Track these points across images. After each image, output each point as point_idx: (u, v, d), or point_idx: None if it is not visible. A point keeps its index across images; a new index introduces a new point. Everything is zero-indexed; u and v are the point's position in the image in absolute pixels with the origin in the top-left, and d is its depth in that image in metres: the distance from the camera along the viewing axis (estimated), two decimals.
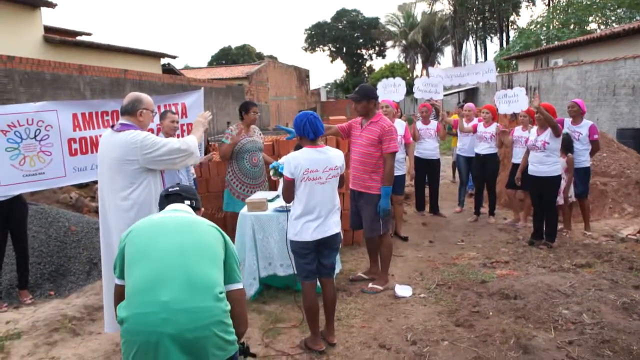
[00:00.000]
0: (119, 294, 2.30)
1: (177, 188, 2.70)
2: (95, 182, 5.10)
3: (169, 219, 2.41)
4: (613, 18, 25.09)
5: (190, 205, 2.62)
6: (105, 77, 12.38)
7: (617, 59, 13.06)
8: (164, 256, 2.19)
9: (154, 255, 2.20)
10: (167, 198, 2.65)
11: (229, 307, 2.22)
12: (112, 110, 5.19)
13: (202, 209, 2.82)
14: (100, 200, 3.74)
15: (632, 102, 12.28)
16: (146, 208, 3.51)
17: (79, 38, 17.83)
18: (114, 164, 3.52)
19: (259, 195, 5.32)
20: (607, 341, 3.69)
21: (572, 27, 25.76)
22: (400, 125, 6.75)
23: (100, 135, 4.83)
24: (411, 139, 7.08)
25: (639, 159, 8.62)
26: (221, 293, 2.20)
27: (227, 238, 2.45)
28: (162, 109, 5.31)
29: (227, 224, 6.43)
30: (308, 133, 3.70)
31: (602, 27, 25.07)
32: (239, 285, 2.41)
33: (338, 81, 58.20)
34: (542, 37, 26.49)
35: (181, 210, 2.53)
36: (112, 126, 3.69)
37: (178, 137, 5.30)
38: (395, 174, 6.58)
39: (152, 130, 4.47)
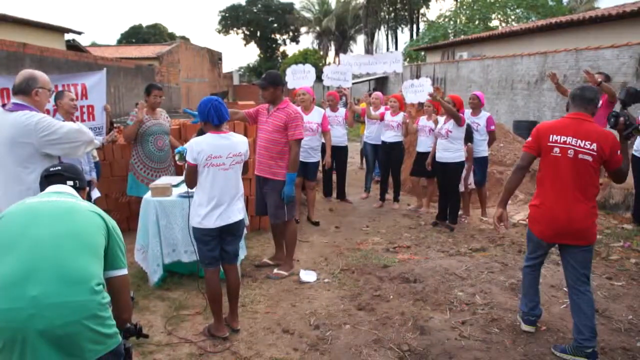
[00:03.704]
0: None
1: (59, 167, 2.48)
2: None
3: (45, 204, 2.23)
4: (513, 17, 26.61)
5: (74, 186, 2.43)
6: (1, 51, 11.48)
7: (514, 56, 13.89)
8: (36, 248, 2.03)
9: (24, 246, 2.04)
10: (48, 179, 2.43)
11: (107, 299, 2.10)
12: (1, 87, 4.84)
13: (88, 188, 2.65)
14: None
15: (527, 97, 13.11)
16: None
17: None
18: (5, 145, 3.25)
19: (164, 180, 5.17)
20: (496, 320, 3.97)
21: (477, 22, 27.04)
22: (318, 114, 6.80)
23: None
24: (328, 126, 7.12)
25: None
26: (98, 285, 2.07)
27: (111, 223, 2.30)
28: (60, 89, 5.03)
29: (132, 208, 6.23)
30: (212, 119, 3.64)
31: (504, 24, 26.52)
32: (123, 272, 2.30)
33: (251, 65, 57.48)
34: (450, 31, 27.61)
35: (62, 193, 2.34)
36: (4, 105, 3.42)
37: (77, 119, 5.06)
38: (309, 161, 6.66)
39: (48, 112, 4.20)
